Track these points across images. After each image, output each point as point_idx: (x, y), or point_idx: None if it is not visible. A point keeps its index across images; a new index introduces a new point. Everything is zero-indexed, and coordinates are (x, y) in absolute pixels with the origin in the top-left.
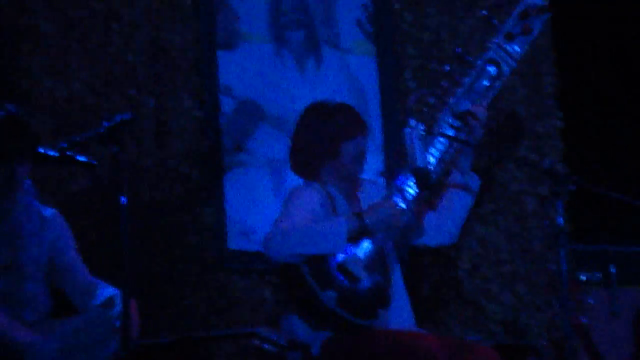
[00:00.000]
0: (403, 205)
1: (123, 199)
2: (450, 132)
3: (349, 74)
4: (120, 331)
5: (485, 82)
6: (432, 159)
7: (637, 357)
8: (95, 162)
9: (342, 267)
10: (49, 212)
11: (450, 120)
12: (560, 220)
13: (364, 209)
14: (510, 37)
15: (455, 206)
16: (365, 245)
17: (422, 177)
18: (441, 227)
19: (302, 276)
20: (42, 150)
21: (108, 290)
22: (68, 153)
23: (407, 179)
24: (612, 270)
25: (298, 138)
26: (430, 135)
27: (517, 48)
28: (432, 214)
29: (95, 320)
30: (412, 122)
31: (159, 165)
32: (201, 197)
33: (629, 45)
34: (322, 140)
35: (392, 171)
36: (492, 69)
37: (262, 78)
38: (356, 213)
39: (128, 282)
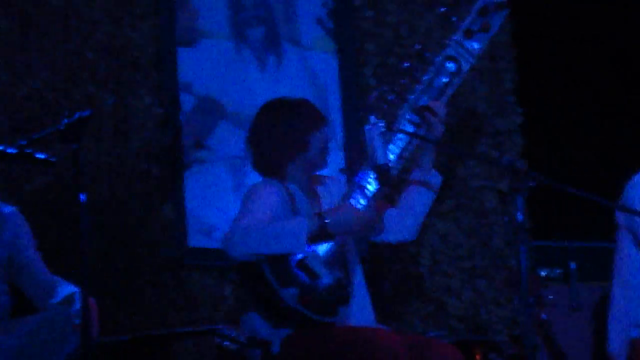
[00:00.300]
0: (363, 202)
1: (82, 197)
2: (410, 129)
3: (309, 70)
4: (79, 329)
5: (444, 79)
6: (392, 156)
7: (596, 352)
8: (54, 160)
9: (302, 264)
10: (7, 209)
11: (409, 117)
12: (520, 216)
13: (326, 208)
14: (469, 34)
15: (415, 203)
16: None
17: (383, 173)
18: (401, 223)
19: (262, 274)
20: (1, 148)
21: (68, 288)
22: (27, 150)
23: (367, 175)
24: (572, 266)
25: (261, 135)
26: (390, 132)
27: (475, 45)
28: (393, 211)
29: (55, 318)
30: (373, 119)
31: (118, 163)
32: (161, 194)
33: (588, 41)
34: (290, 134)
35: (353, 168)
36: (451, 66)
37: (223, 75)
38: (317, 213)
39: (87, 280)
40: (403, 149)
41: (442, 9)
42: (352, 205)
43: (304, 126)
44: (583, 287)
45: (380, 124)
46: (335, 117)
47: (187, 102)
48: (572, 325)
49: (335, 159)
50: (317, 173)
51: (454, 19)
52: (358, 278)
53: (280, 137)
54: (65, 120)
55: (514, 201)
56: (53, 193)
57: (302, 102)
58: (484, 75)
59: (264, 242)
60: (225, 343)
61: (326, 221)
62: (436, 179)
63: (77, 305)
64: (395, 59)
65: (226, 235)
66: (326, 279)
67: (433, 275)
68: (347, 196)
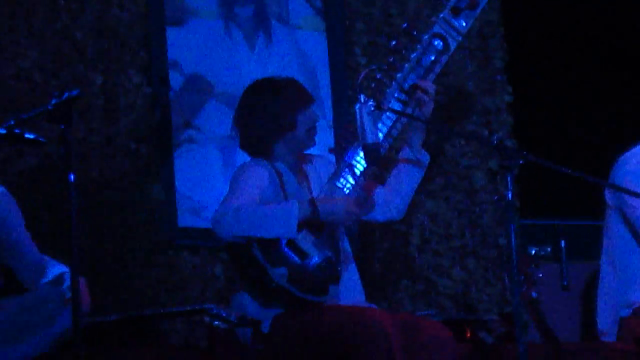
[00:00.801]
0: (352, 182)
1: (71, 176)
2: (398, 107)
3: (298, 50)
4: (69, 309)
5: (432, 57)
6: (380, 135)
7: (586, 330)
8: (43, 140)
9: (292, 244)
10: None
11: (397, 95)
12: (510, 194)
13: (316, 191)
14: (456, 12)
15: (404, 182)
16: None
17: (372, 152)
18: (389, 202)
19: (252, 253)
20: None
21: (58, 268)
22: (16, 131)
23: (356, 154)
24: (562, 244)
25: (249, 115)
26: (379, 111)
27: (463, 22)
28: (381, 189)
29: (45, 298)
30: (362, 98)
31: (107, 142)
32: (150, 174)
33: (578, 19)
34: (277, 114)
35: (342, 147)
36: (438, 44)
37: (212, 54)
38: (310, 200)
39: (76, 260)
40: (391, 127)
41: None
42: (346, 196)
43: (291, 105)
44: (573, 266)
45: (370, 103)
46: (325, 96)
47: (175, 80)
48: (562, 304)
49: (325, 138)
50: (305, 152)
51: None
52: (348, 257)
53: (267, 117)
54: (54, 100)
55: (503, 180)
56: (42, 173)
57: (289, 82)
58: (474, 54)
59: (254, 226)
60: (215, 322)
61: (318, 209)
62: (424, 158)
63: (67, 284)
64: (384, 38)
65: (215, 216)
66: (316, 258)
67: (422, 254)
68: (335, 175)
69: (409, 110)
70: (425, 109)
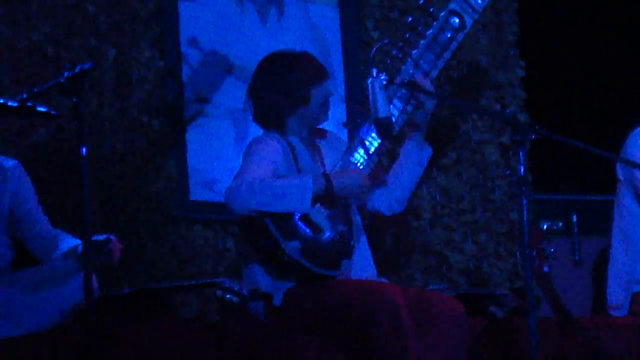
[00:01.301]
0: (365, 157)
1: (83, 150)
2: (401, 103)
3: (311, 24)
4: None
5: (448, 34)
6: (394, 110)
7: (597, 304)
8: (55, 113)
9: (305, 218)
10: (9, 163)
11: (412, 71)
12: (522, 169)
13: (330, 166)
14: None
15: (404, 175)
16: None
17: (384, 126)
18: (390, 195)
19: (265, 227)
20: (2, 101)
21: (70, 241)
22: (28, 104)
23: (370, 130)
24: (574, 219)
25: (262, 88)
26: (392, 86)
27: (479, 0)
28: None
29: (57, 271)
30: (374, 72)
31: (119, 116)
32: (163, 148)
33: None
34: (292, 88)
35: (355, 122)
36: (454, 21)
37: (224, 29)
38: (324, 174)
39: (88, 233)
40: (406, 103)
41: None
42: (360, 170)
43: (305, 79)
44: (584, 240)
45: (382, 77)
46: (337, 70)
47: (192, 56)
48: (573, 278)
49: (337, 113)
50: (319, 127)
51: None
52: (360, 231)
53: (281, 90)
54: (66, 73)
55: (515, 154)
56: (54, 146)
57: (304, 55)
58: (487, 28)
59: (268, 200)
60: (227, 296)
61: (332, 183)
62: (426, 153)
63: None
64: (397, 12)
65: (229, 190)
66: (329, 232)
67: (434, 228)
68: (349, 150)
69: (411, 106)
70: (427, 105)
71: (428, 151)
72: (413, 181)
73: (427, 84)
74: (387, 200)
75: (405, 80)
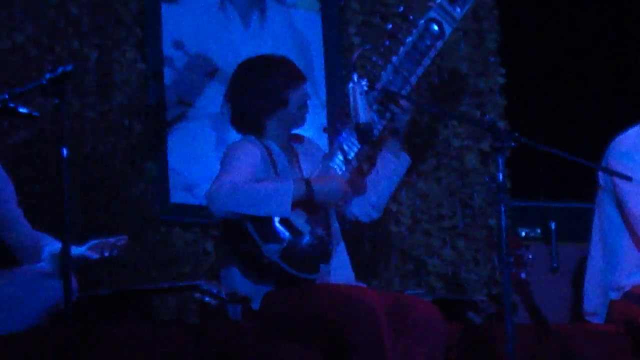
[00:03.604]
0: (346, 163)
1: (64, 151)
2: (376, 116)
3: (293, 28)
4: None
5: (428, 42)
6: (374, 115)
7: (575, 312)
8: (37, 114)
9: (285, 221)
10: None
11: (392, 78)
12: (501, 176)
13: (308, 172)
14: None
15: (381, 182)
16: None
17: (364, 132)
18: (366, 200)
19: (245, 230)
20: None
21: (53, 245)
22: (10, 104)
23: (351, 136)
24: (552, 226)
25: (241, 91)
26: (373, 92)
27: (458, 9)
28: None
29: (36, 271)
30: (355, 77)
31: (101, 118)
32: (143, 150)
33: (572, 1)
34: (270, 91)
35: (335, 127)
36: (434, 29)
37: (207, 32)
38: (305, 179)
39: (68, 235)
40: (386, 110)
41: None
42: (340, 175)
43: (282, 82)
44: (562, 248)
45: (363, 83)
46: (318, 75)
47: (175, 59)
48: (551, 285)
49: (318, 118)
50: (296, 132)
51: None
52: (339, 236)
53: (260, 93)
54: (49, 75)
55: (495, 161)
56: (35, 147)
57: (281, 59)
58: (467, 35)
59: (248, 204)
60: (206, 298)
61: (313, 188)
62: (404, 162)
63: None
64: (379, 18)
65: (210, 193)
66: (308, 236)
67: (413, 234)
68: (329, 156)
69: (387, 118)
70: (401, 121)
71: (406, 160)
72: (390, 189)
73: (404, 102)
74: (364, 206)
75: (382, 96)
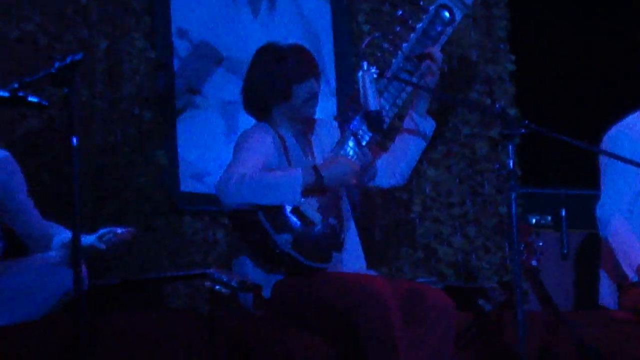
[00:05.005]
0: (357, 150)
1: (74, 140)
2: (404, 76)
3: (302, 17)
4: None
5: (438, 27)
6: (384, 103)
7: (585, 298)
8: (46, 103)
9: (296, 211)
10: (1, 154)
11: (403, 65)
12: (511, 163)
13: (320, 158)
14: None
15: (409, 148)
16: None
17: (374, 119)
18: (393, 168)
19: (256, 219)
20: None
21: (63, 234)
22: (19, 94)
23: (361, 123)
24: (562, 213)
25: (250, 78)
26: (383, 79)
27: None
28: (385, 156)
29: (48, 260)
30: (365, 65)
31: (110, 107)
32: (153, 139)
33: None
34: (273, 82)
35: (346, 115)
36: (444, 14)
37: (215, 21)
38: (313, 166)
39: (78, 224)
40: (396, 97)
41: None
42: (348, 158)
43: (287, 77)
44: (573, 235)
45: (373, 70)
46: (328, 63)
47: (182, 48)
48: (561, 272)
49: (328, 106)
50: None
51: None
52: (350, 224)
53: (264, 83)
54: (58, 64)
55: (505, 148)
56: (45, 136)
57: (295, 50)
58: (477, 22)
59: (258, 193)
60: (216, 287)
61: (322, 174)
62: (430, 125)
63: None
64: (388, 5)
65: (220, 183)
66: (320, 225)
67: (424, 221)
68: (341, 143)
69: (414, 80)
70: (430, 79)
71: (432, 123)
72: (418, 154)
73: (437, 53)
74: (390, 173)
75: (414, 54)
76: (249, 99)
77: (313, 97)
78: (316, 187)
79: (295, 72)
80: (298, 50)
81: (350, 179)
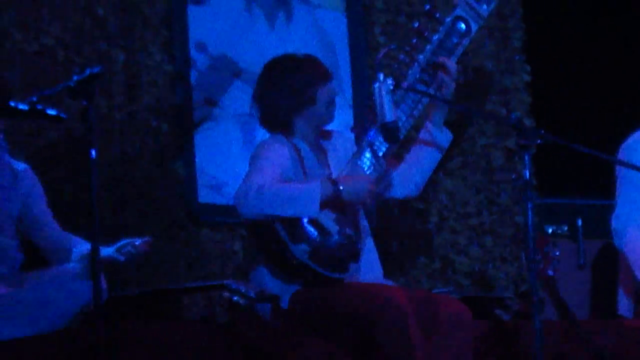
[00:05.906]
0: (373, 162)
1: (93, 153)
2: (420, 87)
3: (318, 28)
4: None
5: (455, 39)
6: (401, 114)
7: (602, 308)
8: (65, 116)
9: (314, 221)
10: (21, 166)
11: (419, 76)
12: (527, 173)
13: (337, 171)
14: None
15: (424, 159)
16: None
17: (391, 131)
18: (408, 179)
19: (274, 230)
20: (12, 104)
21: (83, 244)
22: (38, 107)
23: (377, 134)
24: (579, 222)
25: (269, 91)
26: (399, 90)
27: (484, 6)
28: (400, 166)
29: (67, 273)
30: (381, 77)
31: (129, 119)
32: (171, 151)
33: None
34: (298, 90)
35: (362, 126)
36: (460, 26)
37: (233, 33)
38: (332, 180)
39: (97, 236)
40: (413, 108)
41: None
42: (367, 175)
43: (310, 80)
44: (589, 244)
45: (389, 82)
46: (344, 75)
47: (201, 61)
48: (578, 282)
49: (344, 117)
50: (324, 128)
51: None
52: (367, 235)
53: (288, 92)
54: (76, 77)
55: (521, 158)
56: (64, 149)
57: (308, 58)
58: (493, 33)
59: (276, 205)
60: (234, 298)
61: (340, 188)
62: (446, 136)
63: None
64: (404, 17)
65: (238, 195)
66: (337, 236)
67: (440, 232)
68: (357, 154)
69: (430, 91)
70: (446, 90)
71: (448, 135)
72: (433, 165)
73: (452, 65)
74: (405, 184)
75: (429, 64)
76: (268, 114)
77: (333, 101)
78: (334, 200)
79: (317, 76)
80: (310, 57)
81: (367, 197)
